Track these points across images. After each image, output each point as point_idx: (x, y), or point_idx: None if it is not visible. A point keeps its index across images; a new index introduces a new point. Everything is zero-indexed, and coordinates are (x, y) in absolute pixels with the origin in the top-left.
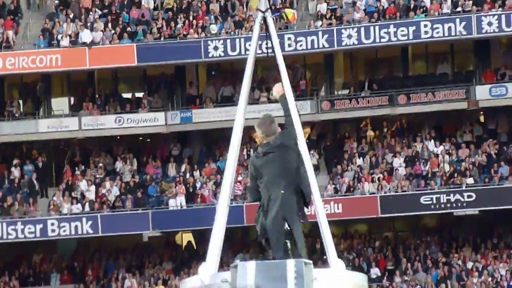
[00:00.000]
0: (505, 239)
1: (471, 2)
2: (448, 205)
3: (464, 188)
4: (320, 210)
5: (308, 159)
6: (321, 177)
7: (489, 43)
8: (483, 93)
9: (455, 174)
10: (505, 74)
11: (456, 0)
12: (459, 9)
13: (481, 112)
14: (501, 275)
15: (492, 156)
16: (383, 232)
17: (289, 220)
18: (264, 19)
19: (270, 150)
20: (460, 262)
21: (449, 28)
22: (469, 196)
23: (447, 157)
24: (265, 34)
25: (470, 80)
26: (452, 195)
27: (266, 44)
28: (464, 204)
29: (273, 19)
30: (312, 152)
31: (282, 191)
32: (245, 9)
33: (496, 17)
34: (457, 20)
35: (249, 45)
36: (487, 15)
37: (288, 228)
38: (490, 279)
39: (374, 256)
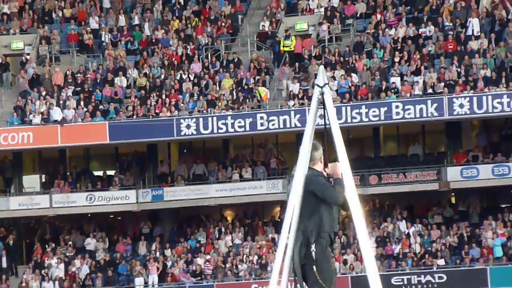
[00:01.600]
0: None
1: (442, 84)
2: (419, 286)
3: (435, 269)
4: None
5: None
6: None
7: (461, 125)
8: (454, 175)
9: (426, 255)
10: (477, 156)
11: (428, 82)
12: (430, 91)
13: (452, 194)
14: None
15: (464, 237)
16: None
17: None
18: (322, 93)
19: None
20: None
21: (421, 109)
22: (440, 278)
23: (418, 238)
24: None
25: (442, 161)
26: (423, 276)
27: (324, 117)
28: (435, 286)
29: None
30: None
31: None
32: (217, 88)
33: (467, 99)
34: (429, 102)
35: (223, 123)
36: (459, 97)
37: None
38: None
39: None
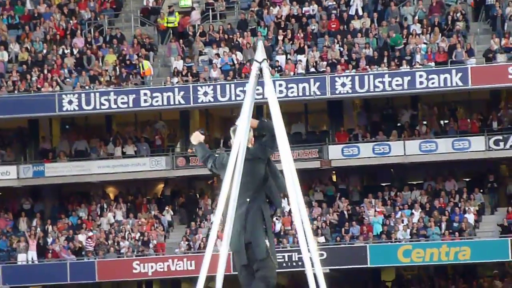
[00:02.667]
0: None
1: (325, 63)
2: (300, 263)
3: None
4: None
5: (291, 170)
6: (175, 234)
7: (342, 104)
8: (336, 153)
9: None
10: (357, 134)
11: (311, 61)
12: (313, 70)
13: (334, 172)
14: None
15: (344, 215)
16: None
17: (252, 233)
18: (261, 69)
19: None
20: None
21: (303, 88)
22: (320, 255)
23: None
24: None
25: (323, 140)
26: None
27: (263, 90)
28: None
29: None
30: (166, 208)
31: (248, 199)
32: (100, 63)
33: (349, 78)
34: (311, 81)
35: (106, 99)
36: (341, 76)
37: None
38: None
39: None
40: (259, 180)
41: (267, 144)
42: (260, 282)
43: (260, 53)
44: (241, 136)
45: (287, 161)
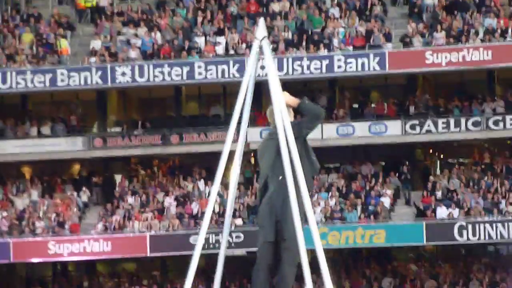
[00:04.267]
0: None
1: (244, 45)
2: (217, 245)
3: (233, 228)
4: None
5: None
6: (91, 214)
7: (261, 86)
8: (255, 136)
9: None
10: None
11: (230, 43)
12: (232, 52)
13: (252, 154)
14: None
15: None
16: (151, 271)
17: (281, 211)
18: (261, 47)
19: (273, 136)
20: None
21: (223, 70)
22: (237, 237)
23: (217, 197)
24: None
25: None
26: (221, 235)
27: (262, 68)
28: (233, 245)
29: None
30: (83, 189)
31: (280, 177)
32: (17, 42)
33: None
34: (231, 63)
35: (22, 78)
36: (260, 58)
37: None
38: None
39: None
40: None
41: (304, 124)
42: (290, 266)
43: (261, 31)
44: (245, 116)
45: (290, 142)
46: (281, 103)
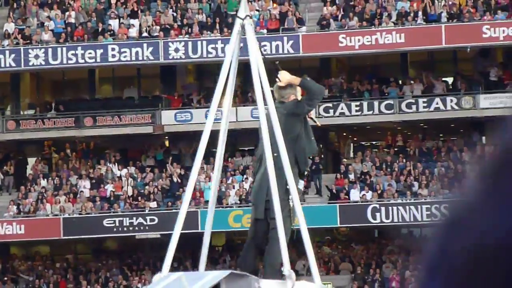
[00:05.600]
0: (185, 263)
1: (158, 27)
2: (131, 228)
3: (147, 211)
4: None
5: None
6: (3, 197)
7: (176, 69)
8: (169, 118)
9: (139, 198)
10: (191, 100)
11: (144, 26)
12: (146, 34)
13: (166, 137)
14: None
15: (176, 180)
16: (65, 254)
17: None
18: (243, 25)
19: (276, 111)
20: (140, 285)
21: (137, 52)
22: (151, 220)
23: (131, 180)
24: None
25: (157, 105)
26: (135, 218)
27: (241, 48)
28: (147, 228)
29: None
30: None
31: (275, 154)
32: None
33: (183, 43)
34: (145, 45)
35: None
36: (174, 41)
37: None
38: None
39: (55, 278)
40: (290, 137)
41: (305, 102)
42: (278, 243)
43: (243, 10)
44: (228, 96)
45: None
46: (263, 83)
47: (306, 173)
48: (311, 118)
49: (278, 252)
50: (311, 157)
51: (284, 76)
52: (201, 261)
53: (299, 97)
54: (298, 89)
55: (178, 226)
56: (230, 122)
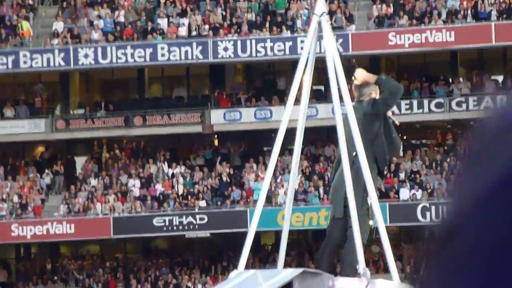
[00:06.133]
0: (235, 262)
1: (207, 26)
2: (181, 227)
3: (196, 210)
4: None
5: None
6: (54, 197)
7: (225, 68)
8: (218, 117)
9: (189, 197)
10: (240, 99)
11: (193, 25)
12: (195, 33)
13: (215, 136)
14: None
15: (225, 179)
16: (114, 253)
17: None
18: (319, 22)
19: (355, 110)
20: (190, 284)
21: (186, 52)
22: (201, 219)
23: (181, 179)
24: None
25: (205, 104)
26: (184, 217)
27: (320, 45)
28: (196, 227)
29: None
30: (46, 171)
31: (354, 154)
32: None
33: (232, 42)
34: (194, 44)
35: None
36: (223, 40)
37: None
38: None
39: (105, 277)
40: (369, 136)
41: (381, 101)
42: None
43: (320, 6)
44: (306, 93)
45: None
46: (340, 80)
47: (385, 172)
48: (389, 117)
49: (355, 250)
50: (389, 157)
51: (361, 74)
52: (280, 258)
53: (377, 96)
54: (377, 88)
55: (253, 224)
56: (278, 120)
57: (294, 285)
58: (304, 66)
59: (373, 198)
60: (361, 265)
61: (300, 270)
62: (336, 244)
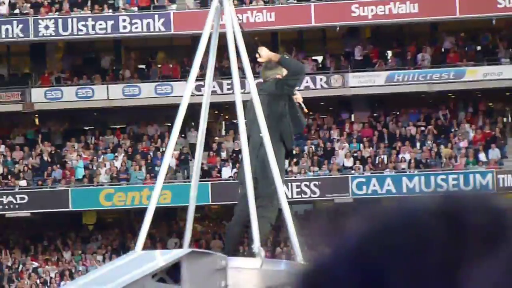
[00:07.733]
0: (54, 242)
1: (28, 4)
2: (1, 206)
3: (17, 190)
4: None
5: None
6: None
7: (46, 47)
8: (39, 96)
9: (9, 176)
10: (60, 78)
11: (14, 2)
12: (16, 11)
13: (36, 115)
14: (51, 277)
15: (46, 159)
16: None
17: (259, 168)
18: (221, 1)
19: (260, 92)
20: (10, 264)
21: (6, 29)
22: (21, 198)
23: (1, 158)
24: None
25: (26, 82)
26: (5, 197)
27: (221, 20)
28: (17, 206)
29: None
30: None
31: (261, 134)
32: None
33: (53, 20)
34: (14, 22)
35: None
36: (44, 18)
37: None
38: (39, 280)
39: None
40: (273, 116)
41: (284, 81)
42: (264, 222)
43: None
44: (210, 70)
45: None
46: (243, 58)
47: (294, 152)
48: (299, 104)
49: (264, 231)
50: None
51: (265, 52)
52: (185, 239)
53: (282, 76)
54: (283, 70)
55: (152, 205)
56: (101, 100)
57: (182, 266)
58: (206, 43)
59: (276, 179)
60: (256, 245)
61: (188, 250)
62: (244, 222)
